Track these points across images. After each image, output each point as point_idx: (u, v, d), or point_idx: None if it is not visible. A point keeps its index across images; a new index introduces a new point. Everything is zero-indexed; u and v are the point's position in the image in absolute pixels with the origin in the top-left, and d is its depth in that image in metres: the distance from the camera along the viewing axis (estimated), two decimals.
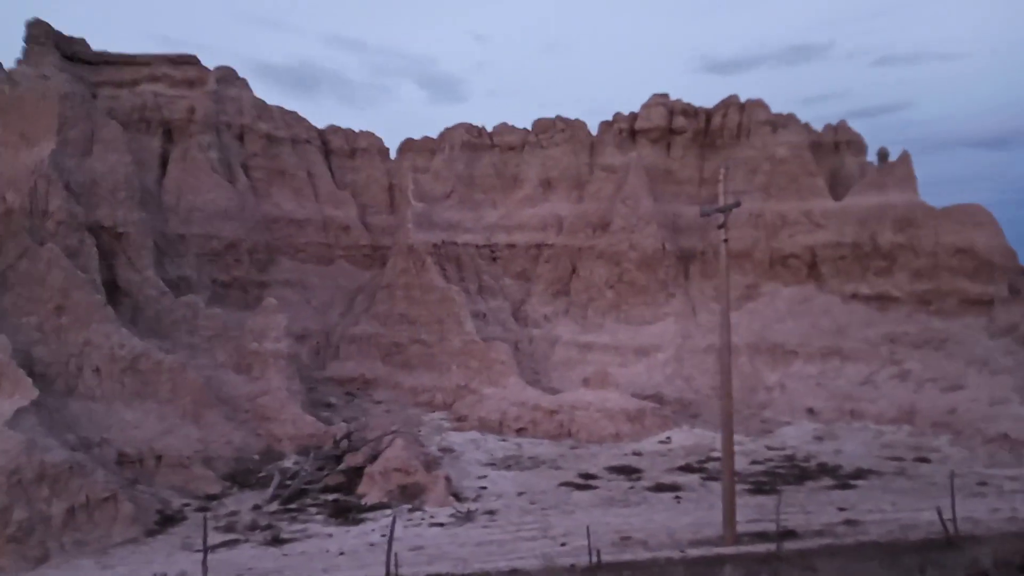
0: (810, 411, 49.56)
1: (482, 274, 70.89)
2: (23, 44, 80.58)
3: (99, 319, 39.08)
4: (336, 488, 35.42)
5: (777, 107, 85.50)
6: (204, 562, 22.67)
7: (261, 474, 36.85)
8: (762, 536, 26.99)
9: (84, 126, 48.42)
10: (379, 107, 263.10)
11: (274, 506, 33.07)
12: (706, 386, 54.63)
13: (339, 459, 38.05)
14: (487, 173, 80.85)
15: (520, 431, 46.60)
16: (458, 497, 33.62)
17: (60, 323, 38.32)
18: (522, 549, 27.22)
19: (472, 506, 32.26)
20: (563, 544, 27.43)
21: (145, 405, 38.46)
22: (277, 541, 28.67)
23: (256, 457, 39.48)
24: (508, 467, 38.95)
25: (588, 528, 23.95)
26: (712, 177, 72.45)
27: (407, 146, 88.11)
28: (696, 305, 63.88)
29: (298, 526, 30.72)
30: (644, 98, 77.95)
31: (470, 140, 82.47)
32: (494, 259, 74.55)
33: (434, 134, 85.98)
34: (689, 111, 74.39)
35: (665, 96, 76.41)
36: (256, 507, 33.00)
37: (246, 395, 44.47)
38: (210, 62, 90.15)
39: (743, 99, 73.52)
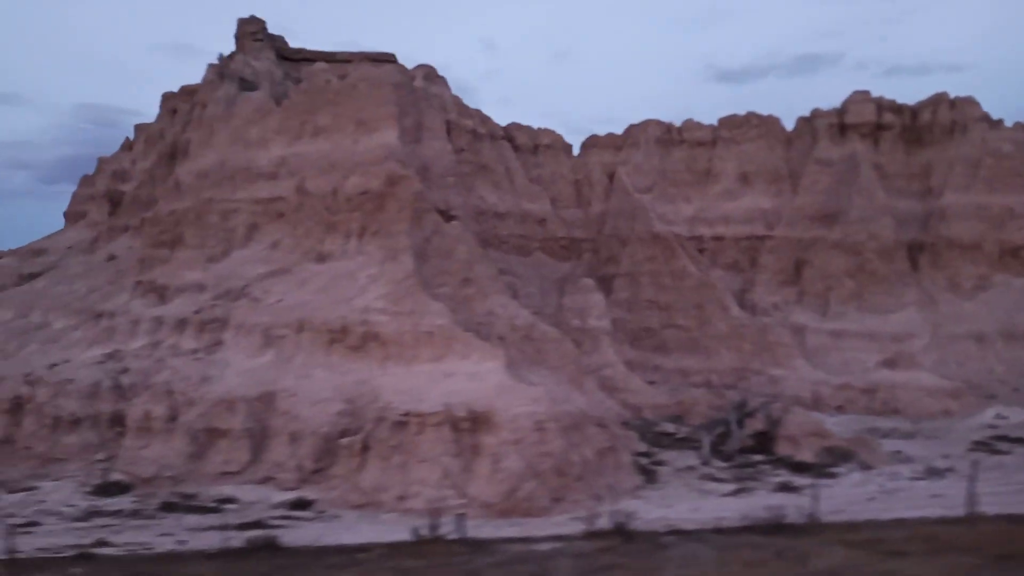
0: None
1: (697, 264, 73.01)
2: (235, 39, 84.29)
3: (496, 291, 41.60)
4: (750, 449, 37.58)
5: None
6: (814, 494, 24.90)
7: (679, 436, 39.09)
8: None
9: (414, 114, 51.10)
10: None
11: (716, 462, 35.28)
12: (982, 370, 56.38)
13: (739, 424, 40.13)
14: (678, 168, 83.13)
15: (838, 408, 48.58)
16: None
17: (467, 293, 40.84)
18: None
19: (918, 466, 34.30)
20: None
21: (540, 371, 40.76)
22: (788, 488, 30.83)
23: (638, 422, 41.74)
24: (886, 436, 40.98)
25: None
26: (921, 171, 74.30)
27: (591, 142, 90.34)
28: (933, 294, 65.62)
29: (774, 479, 32.90)
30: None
31: (660, 136, 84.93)
32: (700, 250, 76.63)
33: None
34: (895, 107, 76.37)
35: (867, 93, 78.34)
36: (705, 463, 35.22)
37: (586, 367, 46.76)
38: None
39: (952, 96, 75.28)
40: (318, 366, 37.50)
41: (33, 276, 77.14)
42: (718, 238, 76.21)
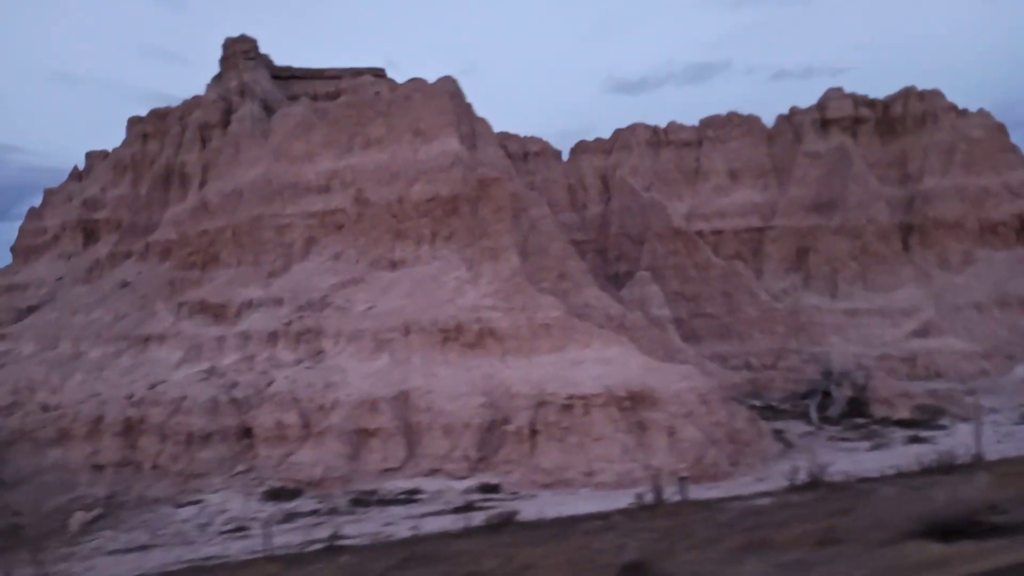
0: None
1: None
2: (223, 58, 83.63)
3: (588, 283, 43.45)
4: (846, 413, 40.61)
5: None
6: (976, 435, 27.86)
7: (782, 407, 41.72)
8: None
9: (467, 123, 52.50)
10: None
11: (826, 427, 38.11)
12: (989, 334, 61.46)
13: (826, 392, 43.09)
14: (668, 168, 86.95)
15: None
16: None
17: (564, 287, 42.54)
18: None
19: (1010, 414, 37.96)
20: None
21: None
22: (919, 440, 33.80)
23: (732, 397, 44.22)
24: None
25: None
26: (896, 159, 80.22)
27: (581, 147, 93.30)
28: (927, 270, 70.96)
29: (896, 435, 35.91)
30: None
31: (649, 138, 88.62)
32: None
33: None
34: (868, 102, 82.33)
35: (840, 89, 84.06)
36: (819, 428, 37.98)
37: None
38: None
39: (919, 89, 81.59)
40: (439, 364, 38.50)
41: (32, 310, 74.53)
42: (716, 232, 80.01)
